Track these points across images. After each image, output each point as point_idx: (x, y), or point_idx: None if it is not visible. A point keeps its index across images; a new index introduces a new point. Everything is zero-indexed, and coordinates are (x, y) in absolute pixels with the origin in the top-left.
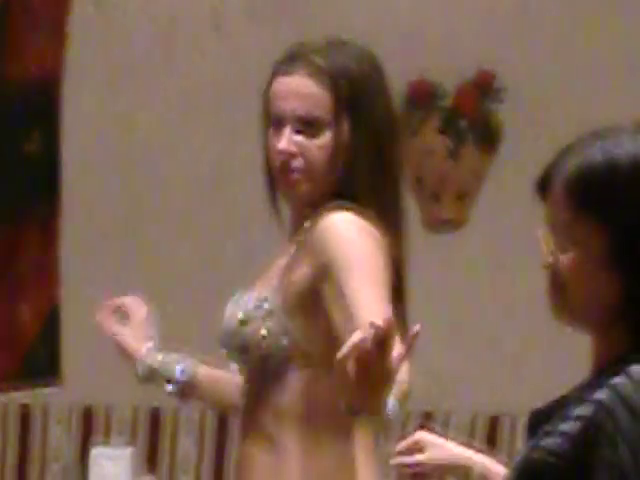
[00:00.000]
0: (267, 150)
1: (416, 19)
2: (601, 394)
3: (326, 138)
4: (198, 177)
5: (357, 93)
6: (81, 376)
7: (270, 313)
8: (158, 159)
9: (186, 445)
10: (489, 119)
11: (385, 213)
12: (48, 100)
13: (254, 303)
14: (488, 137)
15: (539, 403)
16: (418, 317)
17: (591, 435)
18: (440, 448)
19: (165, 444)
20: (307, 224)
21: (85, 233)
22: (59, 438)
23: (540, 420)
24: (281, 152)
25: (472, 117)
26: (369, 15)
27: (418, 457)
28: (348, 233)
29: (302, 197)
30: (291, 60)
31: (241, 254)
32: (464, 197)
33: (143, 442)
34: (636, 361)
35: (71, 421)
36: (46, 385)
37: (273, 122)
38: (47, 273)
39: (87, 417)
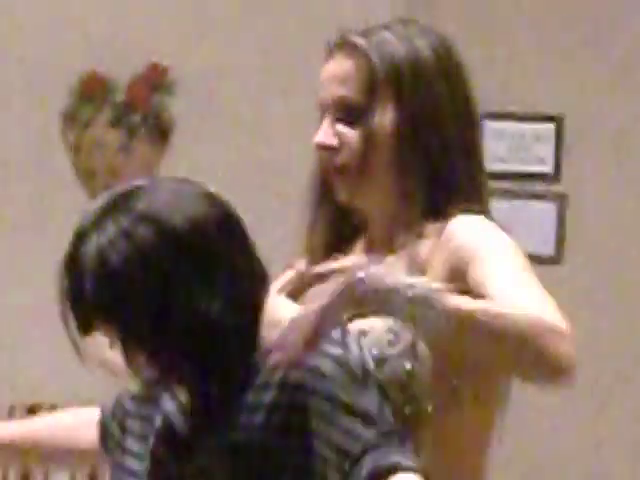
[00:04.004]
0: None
1: (87, 12)
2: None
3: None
4: None
5: (403, 76)
6: None
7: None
8: None
9: None
10: (161, 112)
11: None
12: None
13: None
14: (160, 130)
15: None
16: None
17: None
18: None
19: None
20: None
21: None
22: None
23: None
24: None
25: (144, 110)
26: (42, 10)
27: None
28: (486, 228)
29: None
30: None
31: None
32: None
33: None
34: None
35: None
36: None
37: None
38: None
39: None
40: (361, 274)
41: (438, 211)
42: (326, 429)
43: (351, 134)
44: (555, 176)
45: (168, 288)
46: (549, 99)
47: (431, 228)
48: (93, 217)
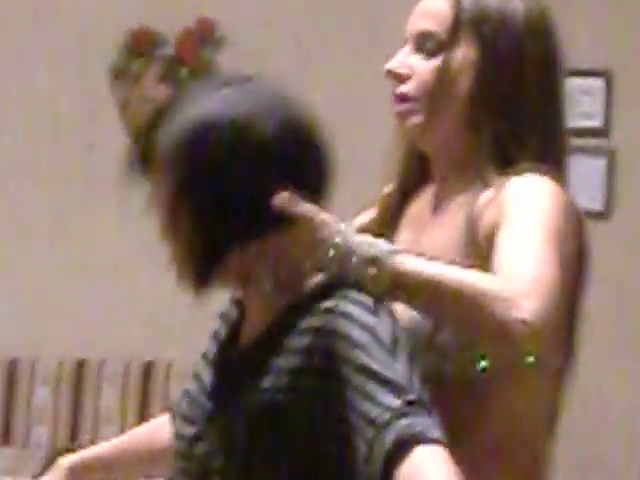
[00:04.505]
0: None
1: None
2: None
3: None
4: None
5: (488, 22)
6: None
7: None
8: None
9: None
10: (209, 67)
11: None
12: None
13: None
14: None
15: None
16: None
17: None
18: None
19: None
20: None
21: None
22: None
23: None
24: None
25: (192, 65)
26: None
27: None
28: (533, 192)
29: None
30: None
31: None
32: None
33: None
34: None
35: None
36: None
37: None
38: None
39: None
40: (339, 227)
41: (508, 161)
42: (354, 397)
43: (424, 65)
44: (604, 131)
45: (225, 163)
46: (598, 54)
47: (496, 180)
48: (185, 92)
